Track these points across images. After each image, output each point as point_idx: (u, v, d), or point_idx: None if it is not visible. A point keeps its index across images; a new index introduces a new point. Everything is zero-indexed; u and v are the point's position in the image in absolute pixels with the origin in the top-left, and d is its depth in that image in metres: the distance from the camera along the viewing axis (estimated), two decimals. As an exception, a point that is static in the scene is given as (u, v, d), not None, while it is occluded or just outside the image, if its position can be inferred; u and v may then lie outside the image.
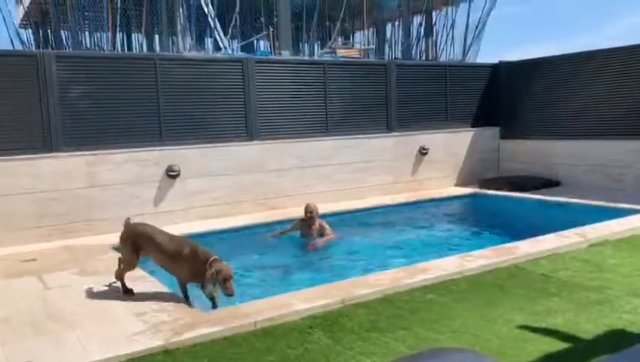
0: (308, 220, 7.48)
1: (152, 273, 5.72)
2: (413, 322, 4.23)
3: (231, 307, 4.59)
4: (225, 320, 4.23)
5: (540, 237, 6.53)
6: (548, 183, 10.75)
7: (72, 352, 3.77)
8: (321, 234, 7.50)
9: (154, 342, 3.88)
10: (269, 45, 19.81)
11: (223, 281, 4.52)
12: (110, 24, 18.63)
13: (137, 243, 5.00)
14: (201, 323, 4.19)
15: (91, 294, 5.10)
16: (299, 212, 7.71)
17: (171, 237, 5.07)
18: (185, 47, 18.03)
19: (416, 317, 4.32)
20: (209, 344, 3.91)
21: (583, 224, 7.04)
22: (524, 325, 4.11)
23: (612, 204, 8.39)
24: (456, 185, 11.42)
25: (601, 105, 10.43)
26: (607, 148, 10.30)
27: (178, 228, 7.94)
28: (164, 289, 5.15)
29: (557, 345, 3.74)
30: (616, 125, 10.19)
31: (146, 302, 4.75)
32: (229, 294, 4.54)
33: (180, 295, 4.90)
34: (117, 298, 4.94)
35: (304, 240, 7.51)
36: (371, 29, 25.55)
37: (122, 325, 4.25)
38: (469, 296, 4.78)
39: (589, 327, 4.02)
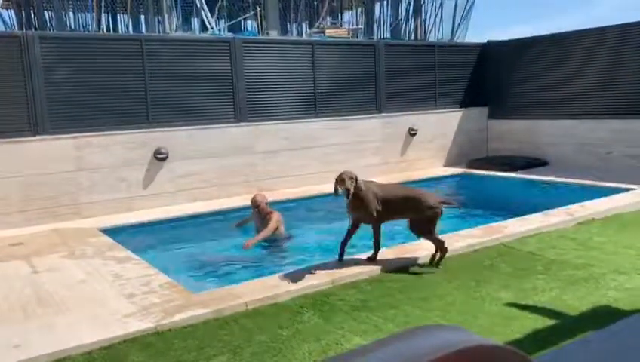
0: (258, 213, 6.77)
1: (140, 254, 5.72)
2: (403, 301, 4.27)
3: (221, 288, 4.61)
4: (216, 301, 4.24)
5: (528, 217, 6.60)
6: (536, 163, 10.83)
7: (62, 335, 3.77)
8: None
9: (144, 323, 3.89)
10: (256, 25, 19.59)
11: None
12: (95, 4, 18.31)
13: None
14: (191, 305, 4.20)
15: (80, 277, 5.09)
16: (288, 193, 7.67)
17: None
18: (171, 27, 17.77)
19: (405, 296, 4.37)
20: (200, 325, 3.93)
21: (570, 203, 7.11)
22: (511, 303, 4.17)
23: (599, 183, 8.48)
24: (445, 165, 11.46)
25: (589, 85, 10.47)
26: (594, 128, 10.37)
27: (168, 211, 7.94)
28: (154, 270, 5.15)
29: (543, 322, 3.80)
30: (603, 105, 10.26)
31: (135, 284, 4.75)
32: None
33: (169, 277, 4.91)
34: (106, 281, 4.93)
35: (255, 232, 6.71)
36: (360, 9, 25.34)
37: (112, 307, 4.25)
38: (458, 275, 4.83)
39: (574, 304, 4.09)
